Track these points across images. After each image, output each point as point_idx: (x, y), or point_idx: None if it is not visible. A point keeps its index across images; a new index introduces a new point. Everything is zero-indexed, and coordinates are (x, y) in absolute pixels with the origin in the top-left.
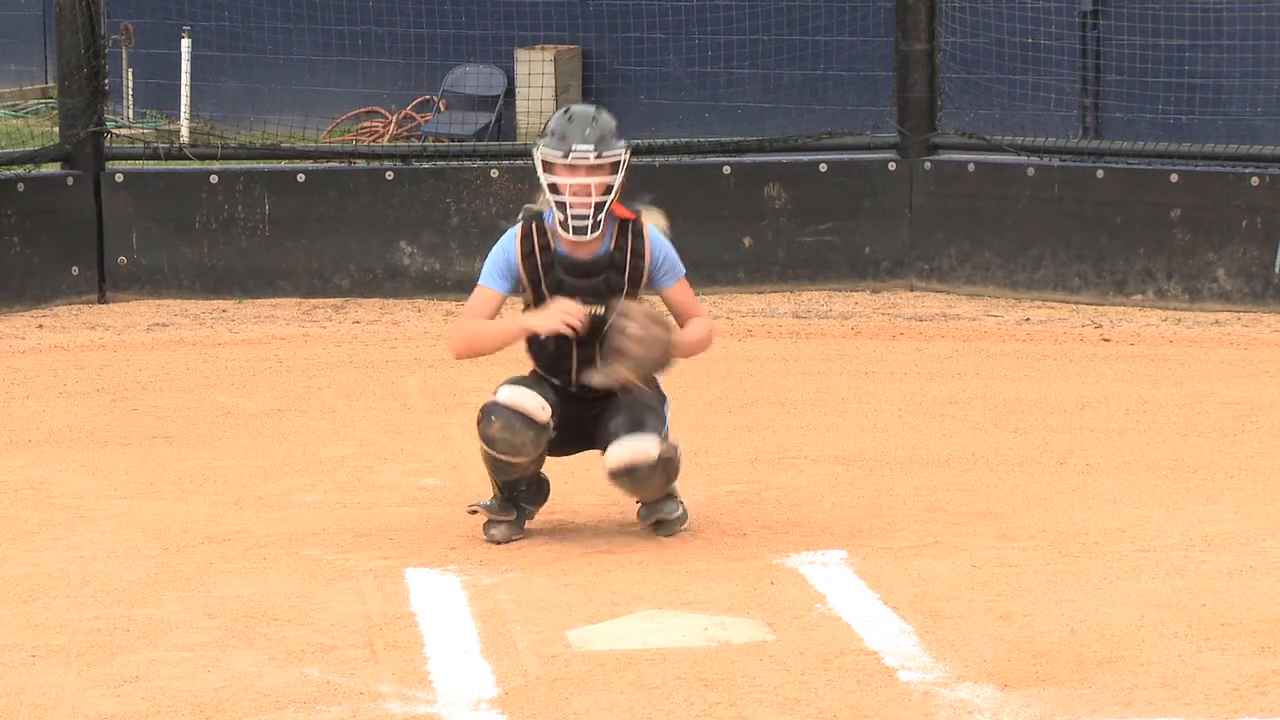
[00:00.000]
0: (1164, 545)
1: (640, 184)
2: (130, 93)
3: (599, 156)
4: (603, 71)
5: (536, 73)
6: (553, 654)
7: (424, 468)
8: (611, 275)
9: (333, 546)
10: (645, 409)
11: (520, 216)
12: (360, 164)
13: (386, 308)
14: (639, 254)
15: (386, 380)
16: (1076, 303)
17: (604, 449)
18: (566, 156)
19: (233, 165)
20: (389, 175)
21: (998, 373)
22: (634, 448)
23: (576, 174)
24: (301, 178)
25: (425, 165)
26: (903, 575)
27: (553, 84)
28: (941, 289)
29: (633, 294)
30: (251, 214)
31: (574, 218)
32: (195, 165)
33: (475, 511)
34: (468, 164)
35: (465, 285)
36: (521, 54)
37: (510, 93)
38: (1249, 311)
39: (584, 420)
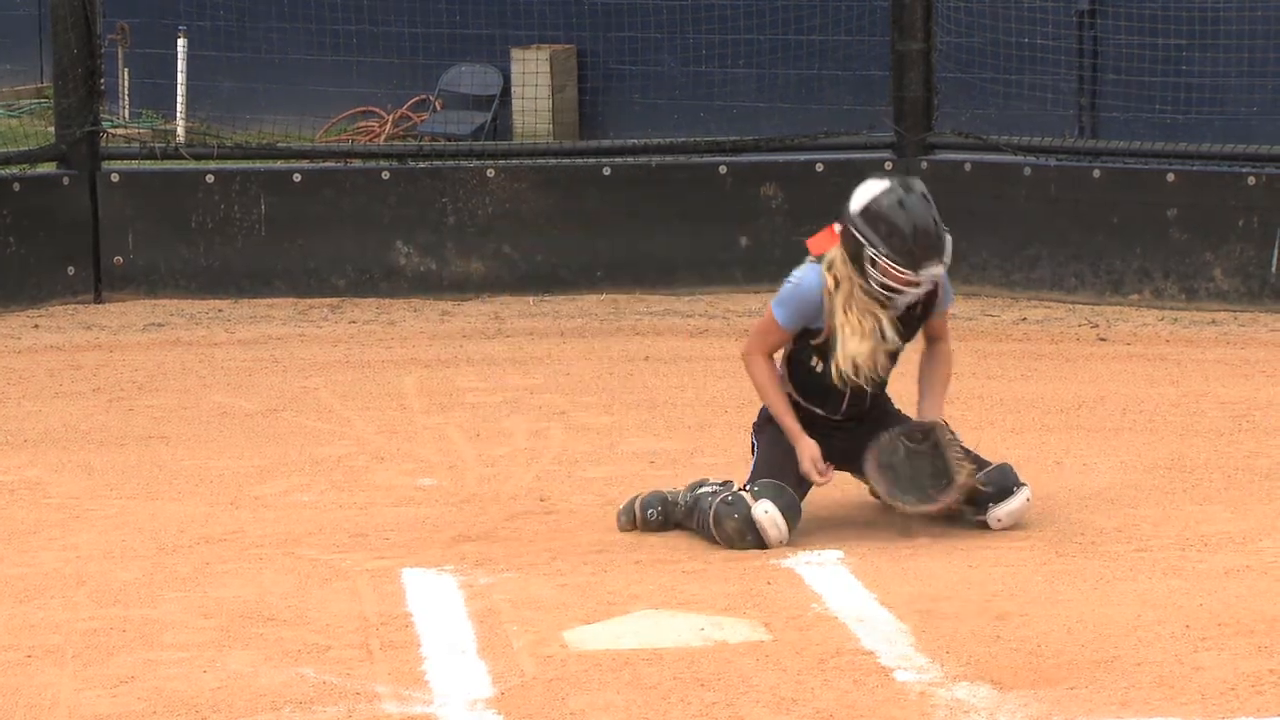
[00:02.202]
0: (1161, 545)
1: (638, 184)
2: (126, 92)
3: (944, 267)
4: (598, 71)
5: (532, 72)
6: (549, 654)
7: (420, 468)
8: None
9: (329, 546)
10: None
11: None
12: (356, 164)
13: (383, 307)
14: (929, 305)
15: (383, 380)
16: (1073, 302)
17: (968, 500)
18: (918, 273)
19: (229, 165)
20: (385, 175)
21: (994, 372)
22: (1019, 509)
23: (920, 285)
24: (297, 177)
25: (421, 165)
26: (899, 575)
27: (548, 83)
28: None
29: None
30: (247, 214)
31: (904, 300)
32: (191, 165)
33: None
34: (464, 164)
35: (461, 284)
36: (517, 53)
37: (506, 92)
38: (1246, 311)
39: (849, 444)
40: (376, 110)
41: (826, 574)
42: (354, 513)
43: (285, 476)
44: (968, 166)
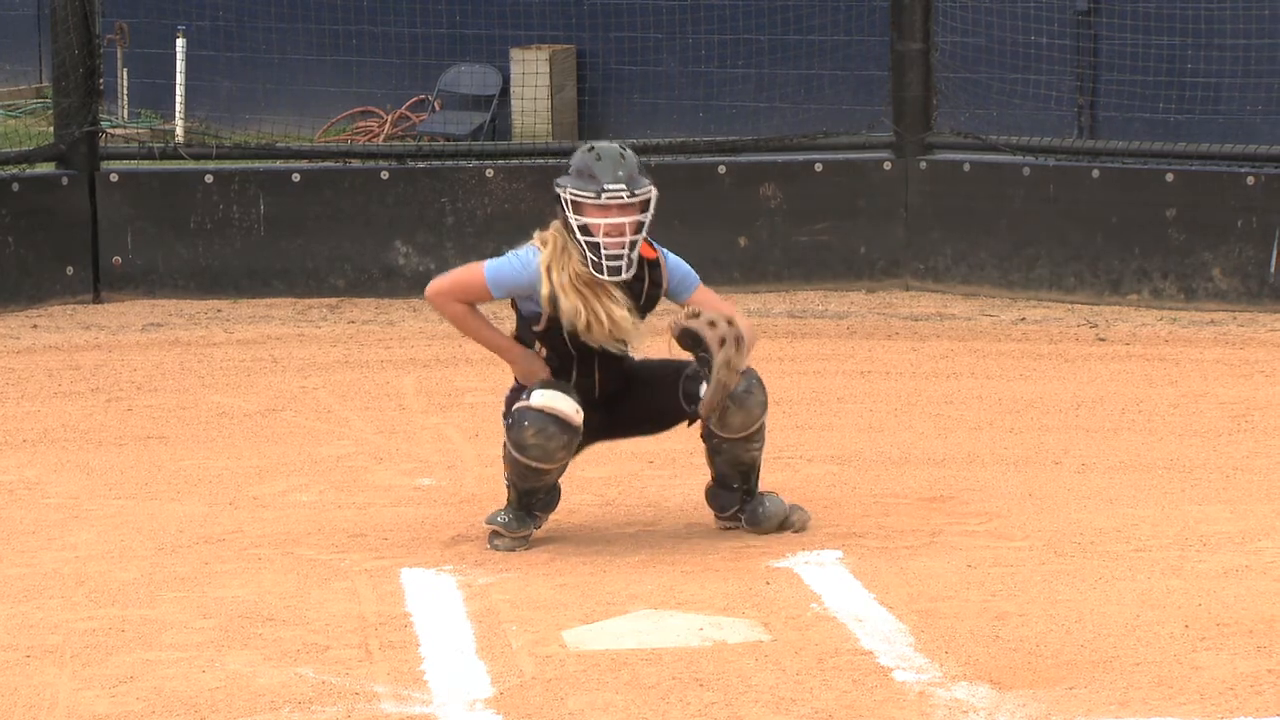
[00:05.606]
0: (1159, 545)
1: None
2: (125, 92)
3: (631, 195)
4: (597, 71)
5: (531, 72)
6: (548, 654)
7: (419, 468)
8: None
9: (328, 546)
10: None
11: (541, 246)
12: (355, 164)
13: (382, 307)
14: (656, 283)
15: (381, 380)
16: (1072, 302)
17: (682, 407)
18: (599, 196)
19: (227, 165)
20: (384, 175)
21: (993, 372)
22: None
23: (609, 214)
24: (296, 177)
25: (420, 165)
26: (898, 575)
27: (548, 83)
28: (937, 289)
29: (643, 316)
30: (246, 214)
31: (608, 258)
32: (190, 165)
33: (494, 527)
34: (463, 164)
35: None
36: (516, 53)
37: (505, 92)
38: (1244, 311)
39: (600, 414)
40: (376, 110)
41: (826, 574)
42: (353, 513)
43: (284, 476)
44: (967, 166)
